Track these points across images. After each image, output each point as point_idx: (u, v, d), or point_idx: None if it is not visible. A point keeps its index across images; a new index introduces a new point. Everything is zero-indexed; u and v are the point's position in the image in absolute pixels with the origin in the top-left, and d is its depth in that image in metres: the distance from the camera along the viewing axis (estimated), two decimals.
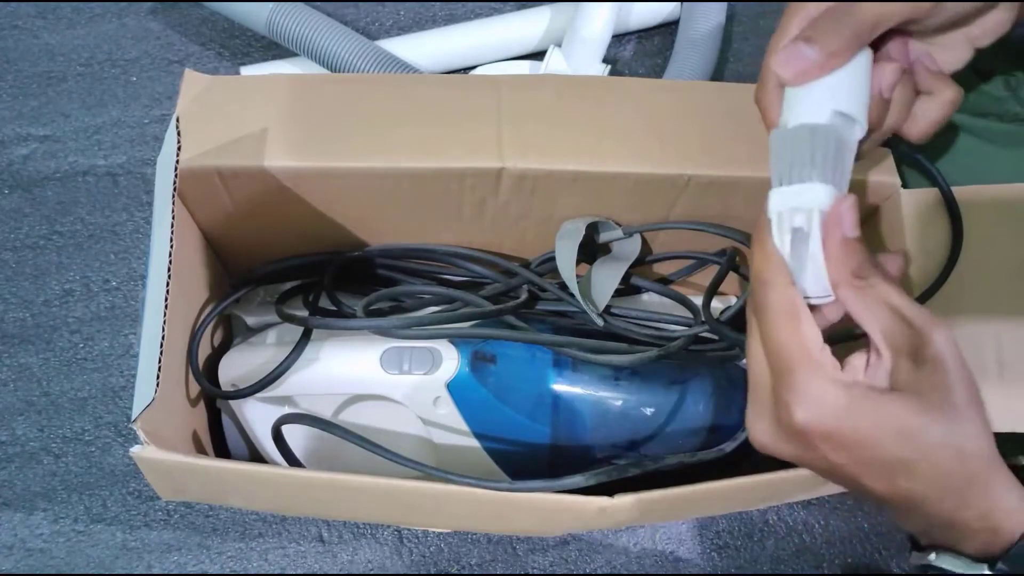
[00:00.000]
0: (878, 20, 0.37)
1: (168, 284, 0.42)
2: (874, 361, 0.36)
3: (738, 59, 0.77)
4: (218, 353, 0.53)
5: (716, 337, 0.54)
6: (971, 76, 0.58)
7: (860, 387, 0.34)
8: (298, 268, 0.56)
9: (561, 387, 0.51)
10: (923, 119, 0.41)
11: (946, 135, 0.60)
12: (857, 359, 0.37)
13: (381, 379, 0.50)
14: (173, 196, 0.44)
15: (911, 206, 0.49)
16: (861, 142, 0.39)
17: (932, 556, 0.37)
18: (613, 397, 0.52)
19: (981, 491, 0.34)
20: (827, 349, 0.35)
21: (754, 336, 0.37)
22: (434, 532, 0.62)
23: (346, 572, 0.61)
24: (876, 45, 0.39)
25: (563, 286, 0.53)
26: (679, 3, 0.75)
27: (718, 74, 0.74)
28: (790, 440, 0.35)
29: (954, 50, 0.42)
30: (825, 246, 0.35)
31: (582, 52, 0.70)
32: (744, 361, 0.56)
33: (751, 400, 0.37)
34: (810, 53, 0.37)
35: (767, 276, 0.35)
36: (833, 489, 0.52)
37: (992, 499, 0.35)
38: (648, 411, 0.52)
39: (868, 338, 0.36)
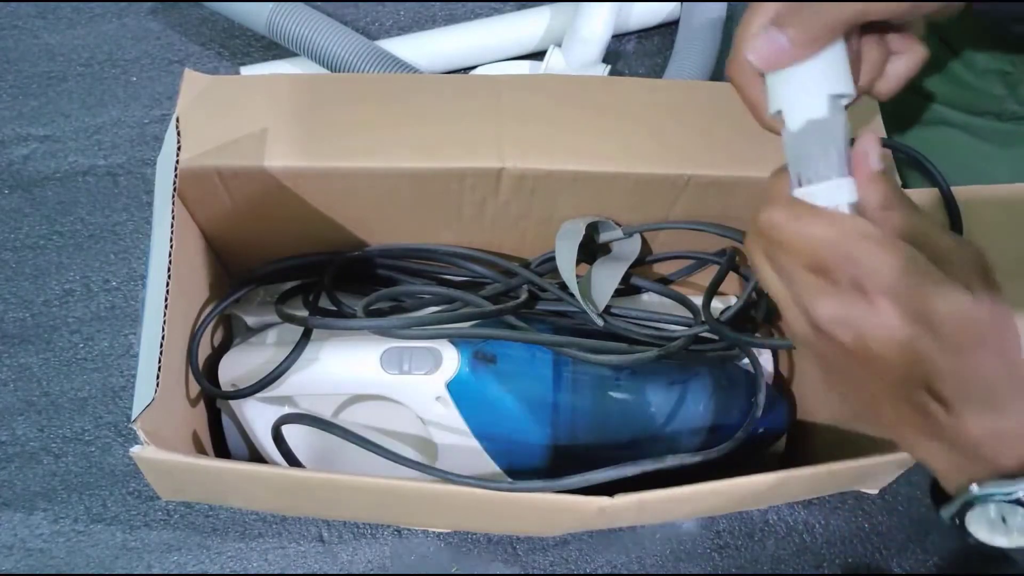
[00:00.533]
0: (857, 17, 0.37)
1: (168, 284, 0.42)
2: None
3: None
4: (218, 353, 0.53)
5: (716, 337, 0.54)
6: (969, 74, 0.58)
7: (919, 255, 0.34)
8: (298, 268, 0.56)
9: (561, 387, 0.51)
10: (893, 77, 0.42)
11: (945, 134, 0.60)
12: None
13: (381, 379, 0.50)
14: (173, 196, 0.44)
15: None
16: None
17: (974, 488, 0.36)
18: (613, 397, 0.52)
19: (1021, 392, 0.34)
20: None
21: (767, 269, 0.37)
22: (434, 532, 0.62)
23: (346, 572, 0.61)
24: None
25: (563, 286, 0.53)
26: (679, 3, 0.75)
27: (718, 74, 0.74)
28: (855, 307, 0.34)
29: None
30: (856, 180, 0.36)
31: (582, 52, 0.70)
32: (745, 361, 0.56)
33: (802, 285, 0.36)
34: (783, 40, 0.37)
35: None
36: (833, 489, 0.52)
37: None
38: (648, 411, 0.52)
39: None
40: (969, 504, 0.36)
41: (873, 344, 0.34)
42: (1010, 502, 0.35)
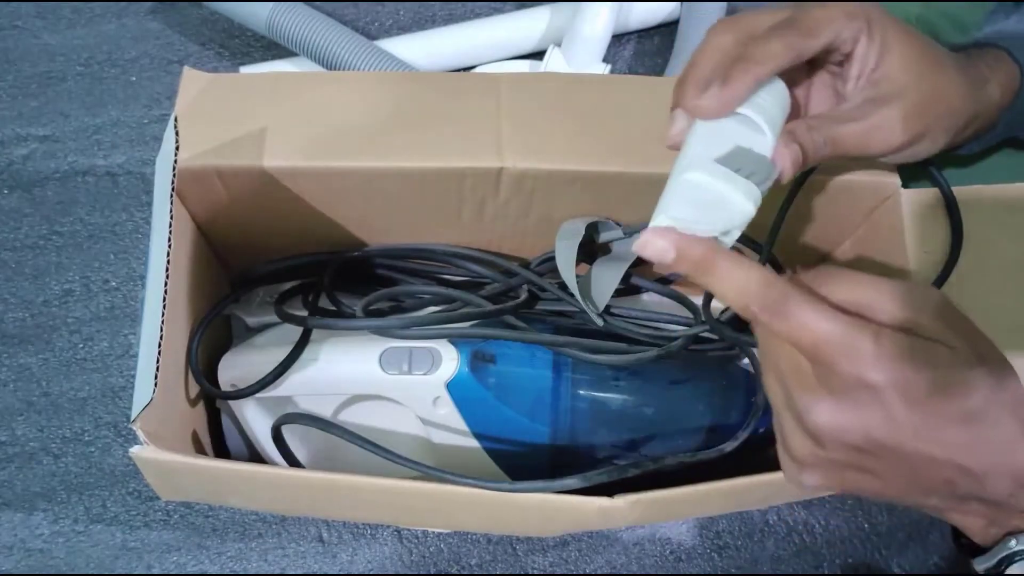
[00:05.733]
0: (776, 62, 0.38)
1: (167, 284, 0.42)
2: None
3: None
4: (218, 353, 0.53)
5: (716, 337, 0.54)
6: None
7: (908, 340, 0.33)
8: (298, 268, 0.56)
9: (561, 387, 0.51)
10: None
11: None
12: None
13: (381, 379, 0.49)
14: (172, 195, 0.44)
15: (911, 206, 0.49)
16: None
17: (1013, 543, 0.35)
18: (613, 397, 0.52)
19: None
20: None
21: (763, 337, 0.36)
22: (434, 532, 0.62)
23: (346, 572, 0.61)
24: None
25: (563, 286, 0.53)
26: (679, 3, 0.75)
27: None
28: (861, 405, 0.33)
29: None
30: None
31: (582, 52, 0.70)
32: (745, 361, 0.56)
33: (797, 387, 0.34)
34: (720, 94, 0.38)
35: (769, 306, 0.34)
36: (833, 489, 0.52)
37: None
38: (648, 411, 0.52)
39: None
40: (1009, 559, 0.35)
41: (889, 440, 0.33)
42: None
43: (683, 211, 0.36)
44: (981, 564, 0.37)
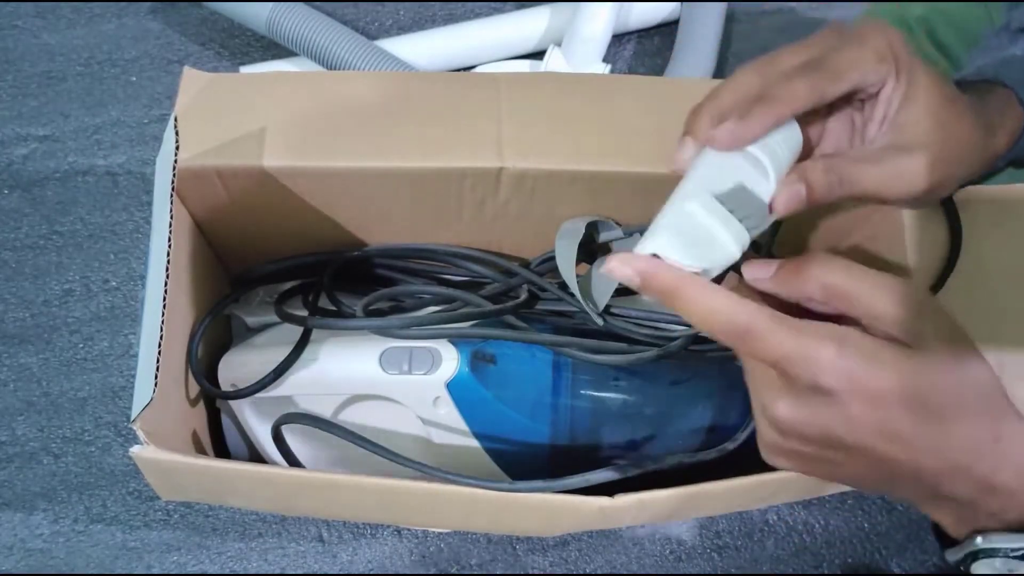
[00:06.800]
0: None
1: (167, 284, 0.42)
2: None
3: (738, 59, 0.77)
4: (218, 353, 0.53)
5: None
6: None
7: (867, 343, 0.34)
8: (298, 268, 0.56)
9: (561, 387, 0.51)
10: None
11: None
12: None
13: (381, 379, 0.49)
14: (172, 195, 0.44)
15: None
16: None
17: (979, 540, 0.36)
18: (613, 397, 0.52)
19: (1011, 447, 0.34)
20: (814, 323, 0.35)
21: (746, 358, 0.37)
22: (434, 532, 0.62)
23: (346, 572, 0.61)
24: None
25: (563, 286, 0.53)
26: (679, 3, 0.75)
27: (718, 74, 0.74)
28: (814, 405, 0.34)
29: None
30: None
31: (582, 52, 0.70)
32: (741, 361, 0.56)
33: (764, 393, 0.36)
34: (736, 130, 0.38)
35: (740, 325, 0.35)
36: (833, 488, 0.52)
37: None
38: (648, 411, 0.52)
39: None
40: (974, 555, 0.36)
41: (848, 437, 0.34)
42: (1017, 557, 0.35)
43: (671, 240, 0.37)
44: (951, 556, 0.38)
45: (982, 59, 0.49)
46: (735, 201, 0.37)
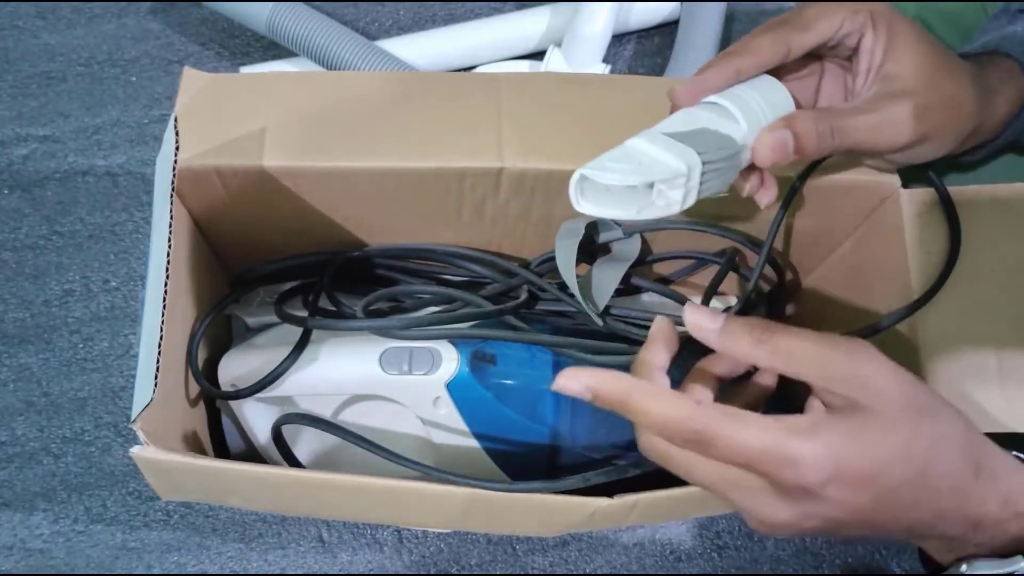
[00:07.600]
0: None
1: (167, 284, 0.42)
2: (817, 405, 0.36)
3: None
4: (218, 353, 0.53)
5: None
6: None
7: (835, 424, 0.33)
8: (298, 268, 0.56)
9: None
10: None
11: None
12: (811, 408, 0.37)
13: (381, 379, 0.49)
14: (172, 195, 0.44)
15: (911, 206, 0.49)
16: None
17: (964, 567, 0.36)
18: None
19: (992, 478, 0.34)
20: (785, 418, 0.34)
21: (698, 464, 0.35)
22: (434, 532, 0.62)
23: (346, 572, 0.61)
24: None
25: (563, 286, 0.53)
26: (679, 3, 0.75)
27: None
28: (806, 503, 0.34)
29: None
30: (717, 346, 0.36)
31: (582, 52, 0.70)
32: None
33: (748, 499, 0.35)
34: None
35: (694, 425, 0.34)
36: None
37: (1007, 482, 0.34)
38: None
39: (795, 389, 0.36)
40: None
41: (847, 517, 0.34)
42: None
43: (601, 162, 0.36)
44: None
45: (984, 38, 0.49)
46: (694, 140, 0.36)
